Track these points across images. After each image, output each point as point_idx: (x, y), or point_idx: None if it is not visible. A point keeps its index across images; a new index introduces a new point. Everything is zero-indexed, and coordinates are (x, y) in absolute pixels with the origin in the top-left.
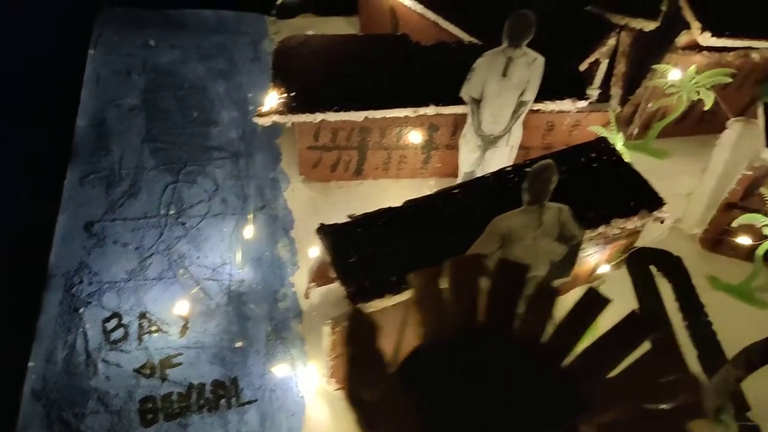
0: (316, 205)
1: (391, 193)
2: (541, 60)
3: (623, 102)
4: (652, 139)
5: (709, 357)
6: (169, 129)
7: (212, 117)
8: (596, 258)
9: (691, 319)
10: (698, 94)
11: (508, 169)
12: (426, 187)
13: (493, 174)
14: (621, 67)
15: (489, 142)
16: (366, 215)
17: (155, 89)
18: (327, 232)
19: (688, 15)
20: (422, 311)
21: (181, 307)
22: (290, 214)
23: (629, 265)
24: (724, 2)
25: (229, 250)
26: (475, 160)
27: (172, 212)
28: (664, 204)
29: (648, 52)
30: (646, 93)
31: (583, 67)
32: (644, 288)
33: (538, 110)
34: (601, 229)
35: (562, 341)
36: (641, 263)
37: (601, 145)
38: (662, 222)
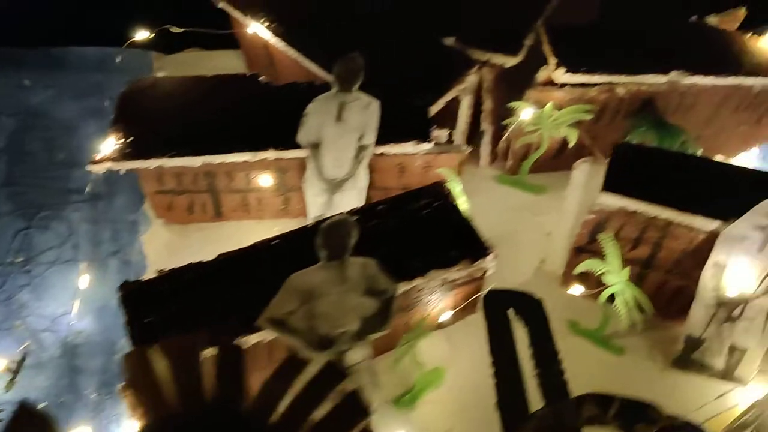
0: (173, 248)
1: (254, 234)
2: (375, 104)
3: (496, 138)
4: (525, 174)
5: None
6: (31, 172)
7: (78, 158)
8: (438, 305)
9: (543, 367)
10: (561, 131)
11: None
12: (290, 227)
13: (313, 224)
14: (488, 104)
15: (335, 185)
16: (174, 270)
17: (23, 130)
18: (128, 289)
19: (547, 50)
20: (138, 393)
21: (10, 360)
22: (144, 258)
23: (485, 308)
24: (584, 38)
25: (73, 298)
26: (323, 204)
27: (19, 260)
28: (489, 253)
29: (515, 88)
30: (514, 129)
31: (440, 105)
32: (497, 333)
33: (382, 153)
34: (418, 281)
35: (295, 416)
36: (498, 306)
37: (436, 190)
38: (485, 273)
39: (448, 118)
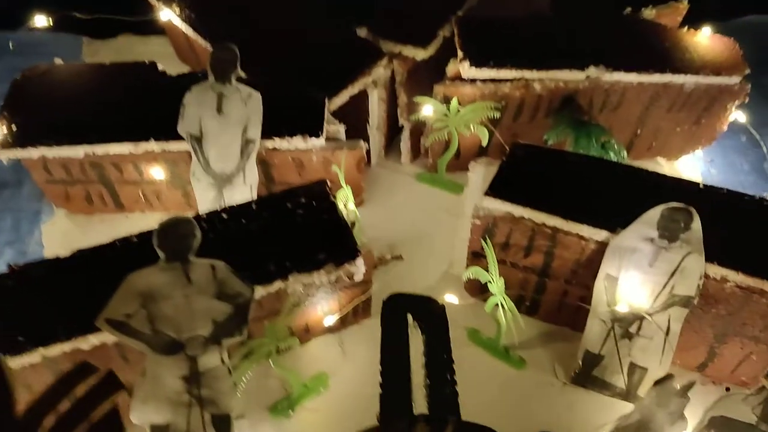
0: (72, 239)
1: None
2: (256, 95)
3: (417, 133)
4: (443, 173)
5: None
6: None
7: None
8: (320, 308)
9: (434, 378)
10: (471, 128)
11: (203, 216)
12: None
13: None
14: (402, 98)
15: (223, 180)
16: (28, 265)
17: None
18: None
19: (457, 43)
20: None
21: None
22: (42, 249)
23: (384, 312)
24: (498, 31)
25: None
26: (213, 199)
27: None
28: (358, 256)
29: (430, 82)
30: (429, 126)
31: (344, 98)
32: (391, 340)
33: (275, 148)
34: (278, 284)
35: (67, 422)
36: (397, 311)
37: (317, 189)
38: (351, 278)
39: (363, 112)
